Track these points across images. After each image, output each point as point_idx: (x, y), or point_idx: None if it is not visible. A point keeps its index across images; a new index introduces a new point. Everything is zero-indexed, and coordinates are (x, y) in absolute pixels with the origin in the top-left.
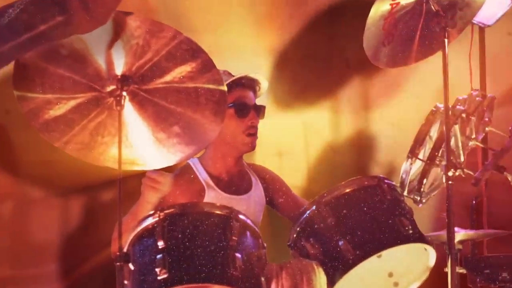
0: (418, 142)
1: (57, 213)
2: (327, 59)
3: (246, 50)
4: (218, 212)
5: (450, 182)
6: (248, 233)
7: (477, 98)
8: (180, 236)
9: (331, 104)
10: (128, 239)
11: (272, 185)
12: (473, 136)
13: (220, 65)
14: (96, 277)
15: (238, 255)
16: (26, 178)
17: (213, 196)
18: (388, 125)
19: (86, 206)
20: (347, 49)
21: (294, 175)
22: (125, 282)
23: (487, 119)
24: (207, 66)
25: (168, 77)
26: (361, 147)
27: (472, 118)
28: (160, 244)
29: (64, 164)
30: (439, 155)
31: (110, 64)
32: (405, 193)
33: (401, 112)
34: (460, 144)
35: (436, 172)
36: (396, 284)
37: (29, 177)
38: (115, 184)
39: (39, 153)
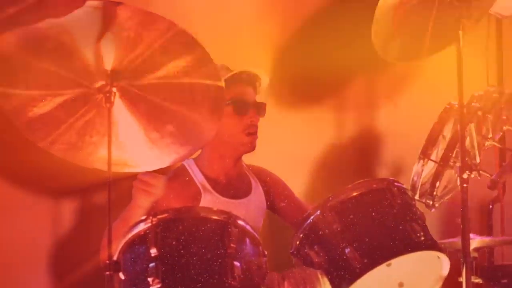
0: (431, 142)
1: (47, 217)
2: (332, 54)
3: (246, 45)
4: (215, 217)
5: (465, 185)
6: (247, 240)
7: (494, 95)
8: (174, 243)
9: (335, 101)
10: (118, 246)
11: (274, 188)
12: (490, 135)
13: (217, 60)
14: (88, 284)
15: (236, 263)
16: (13, 181)
17: (210, 200)
18: (395, 124)
19: (77, 210)
20: (354, 43)
21: (296, 177)
22: None
23: (504, 117)
24: (203, 60)
25: (161, 72)
26: (367, 147)
27: (489, 116)
28: (153, 251)
29: (53, 166)
30: (453, 156)
31: (99, 58)
32: (417, 197)
33: (410, 110)
34: (475, 144)
35: (450, 174)
36: None
37: (16, 180)
38: (107, 186)
39: (26, 154)
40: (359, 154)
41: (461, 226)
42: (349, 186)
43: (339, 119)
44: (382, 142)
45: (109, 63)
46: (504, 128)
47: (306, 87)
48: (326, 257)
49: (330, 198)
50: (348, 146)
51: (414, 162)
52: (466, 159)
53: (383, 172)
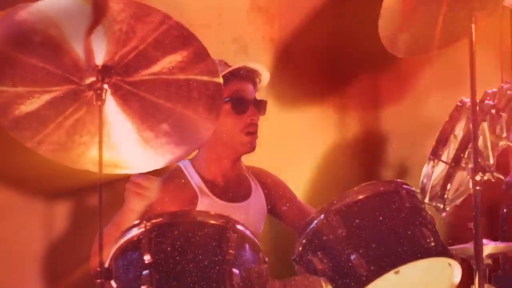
0: (441, 142)
1: (38, 220)
2: (334, 51)
3: (245, 41)
4: (212, 221)
5: (477, 187)
6: (247, 246)
7: (508, 92)
8: (169, 249)
9: (338, 100)
10: (110, 252)
11: (275, 191)
12: (504, 135)
13: (215, 57)
14: None
15: (235, 271)
16: (2, 183)
17: (207, 204)
18: (401, 123)
19: (70, 213)
20: (357, 39)
21: (298, 179)
22: None
23: None
24: (200, 55)
25: (155, 68)
26: (371, 147)
27: (503, 114)
28: (147, 258)
29: (45, 167)
30: (465, 156)
31: (89, 53)
32: (426, 200)
33: (417, 108)
34: (489, 144)
35: (461, 176)
36: None
37: (6, 181)
38: (102, 188)
39: (15, 154)
40: (363, 154)
41: (473, 231)
42: (355, 188)
43: (343, 118)
44: (387, 142)
45: (100, 58)
46: None
47: (308, 84)
48: (331, 264)
49: (335, 201)
50: (352, 146)
51: (421, 163)
52: (479, 160)
53: (388, 174)
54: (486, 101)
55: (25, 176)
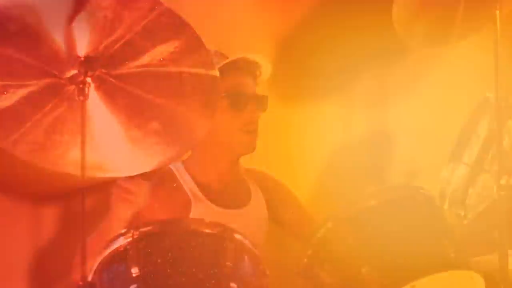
0: (462, 142)
1: (25, 225)
2: (339, 45)
3: (245, 34)
4: (207, 230)
5: (502, 192)
6: (246, 257)
7: None
8: (159, 261)
9: (344, 96)
10: (93, 265)
11: (277, 196)
12: None
13: (210, 46)
14: None
15: (233, 285)
16: None
17: (202, 210)
18: (413, 122)
19: (59, 217)
20: (364, 31)
21: (302, 183)
22: None
23: None
24: (194, 45)
25: (144, 60)
26: (380, 147)
27: None
28: (134, 271)
29: (32, 167)
30: (489, 158)
31: (70, 42)
32: (446, 206)
33: (430, 105)
34: None
35: (485, 179)
36: None
37: None
38: (94, 191)
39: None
40: (372, 155)
41: (498, 240)
42: (366, 193)
43: (348, 116)
44: (399, 142)
45: (82, 48)
46: None
47: (312, 80)
48: (339, 278)
49: (344, 207)
50: (360, 146)
51: (435, 166)
52: (504, 162)
53: (397, 176)
54: None
55: (13, 178)
